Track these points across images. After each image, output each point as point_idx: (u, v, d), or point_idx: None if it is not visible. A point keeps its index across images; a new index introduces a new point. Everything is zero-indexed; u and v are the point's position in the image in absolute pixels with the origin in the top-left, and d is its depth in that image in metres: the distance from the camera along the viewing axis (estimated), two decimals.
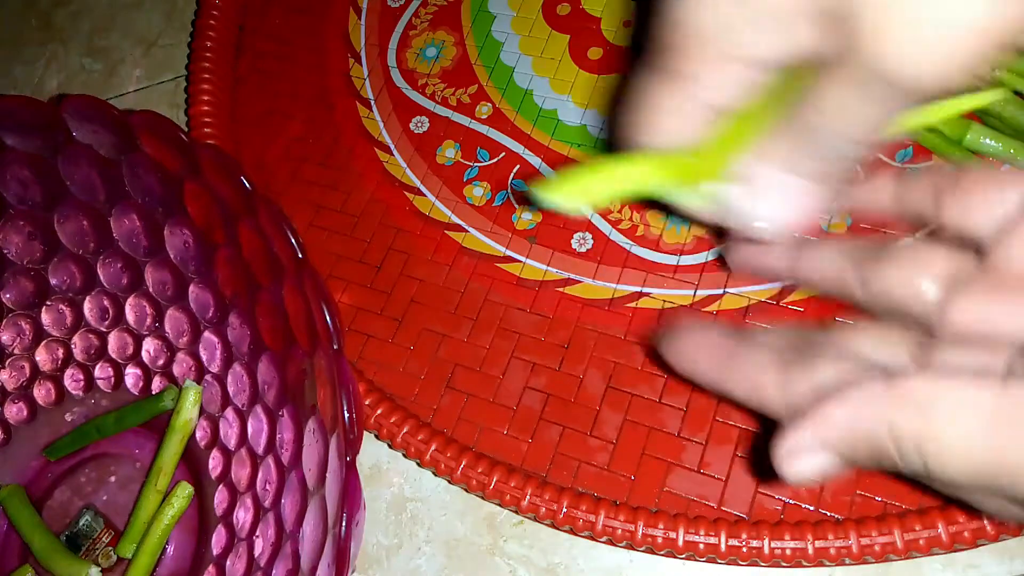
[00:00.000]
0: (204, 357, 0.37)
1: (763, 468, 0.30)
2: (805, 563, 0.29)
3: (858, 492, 0.30)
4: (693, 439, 0.32)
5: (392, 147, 0.41)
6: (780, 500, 0.30)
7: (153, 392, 0.38)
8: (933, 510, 0.28)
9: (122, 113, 0.33)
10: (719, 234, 0.22)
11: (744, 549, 0.29)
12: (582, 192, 0.19)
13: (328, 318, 0.30)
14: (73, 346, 0.39)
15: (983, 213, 0.19)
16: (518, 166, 0.39)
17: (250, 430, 0.34)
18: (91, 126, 0.34)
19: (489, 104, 0.41)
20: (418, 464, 0.34)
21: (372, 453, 0.36)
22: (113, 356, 0.39)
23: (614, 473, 0.32)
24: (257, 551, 0.32)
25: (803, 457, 0.18)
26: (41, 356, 0.39)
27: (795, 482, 0.18)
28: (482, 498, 0.33)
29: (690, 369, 0.23)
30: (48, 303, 0.39)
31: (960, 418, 0.15)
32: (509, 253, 0.37)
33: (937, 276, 0.19)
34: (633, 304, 0.35)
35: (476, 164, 0.40)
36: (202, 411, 0.36)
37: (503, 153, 0.40)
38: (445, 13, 0.44)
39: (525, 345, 0.35)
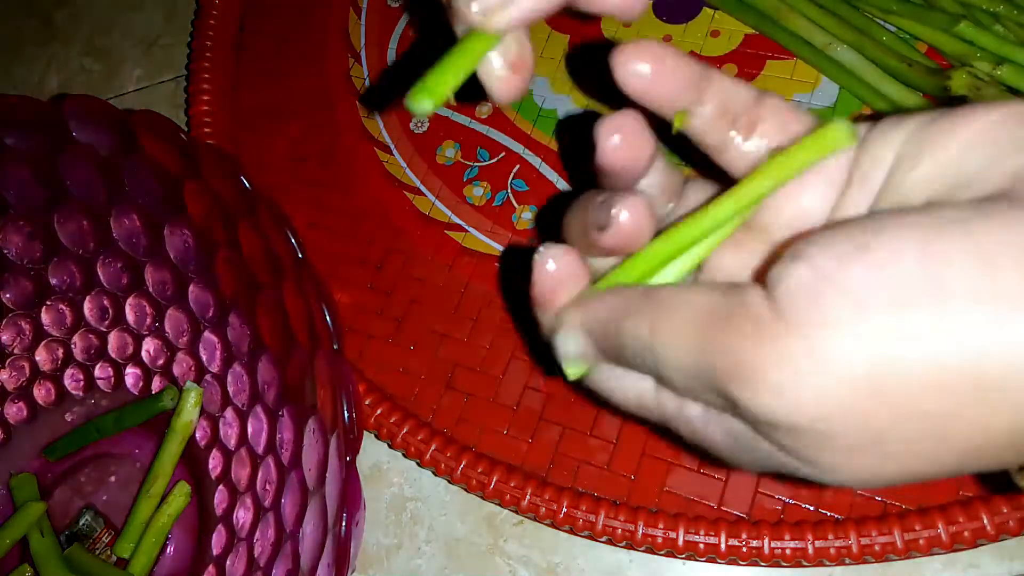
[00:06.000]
0: (204, 357, 0.37)
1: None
2: (805, 563, 0.29)
3: (858, 492, 0.30)
4: None
5: (392, 147, 0.41)
6: (780, 500, 0.30)
7: (153, 392, 0.38)
8: (933, 510, 0.28)
9: (122, 113, 0.33)
10: None
11: (744, 549, 0.29)
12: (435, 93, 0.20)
13: (328, 318, 0.30)
14: (73, 346, 0.39)
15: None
16: (518, 166, 0.39)
17: (250, 430, 0.34)
18: (91, 126, 0.34)
19: (489, 104, 0.41)
20: (418, 464, 0.34)
21: (372, 453, 0.36)
22: (113, 356, 0.39)
23: (614, 473, 0.32)
24: (257, 551, 0.32)
25: (567, 335, 0.20)
26: (41, 356, 0.39)
27: (563, 357, 0.20)
28: (482, 498, 0.33)
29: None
30: (48, 303, 0.39)
31: (680, 319, 0.17)
32: None
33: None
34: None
35: (476, 164, 0.40)
36: (202, 411, 0.36)
37: (503, 153, 0.40)
38: None
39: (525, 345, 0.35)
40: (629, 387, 0.21)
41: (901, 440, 0.15)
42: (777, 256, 0.16)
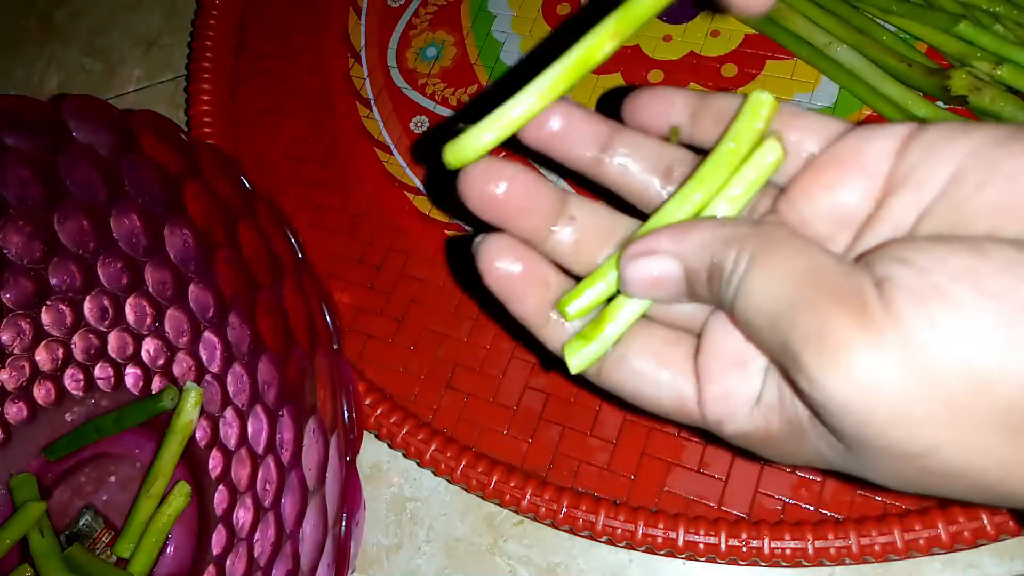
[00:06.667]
0: (204, 357, 0.37)
1: None
2: (805, 563, 0.29)
3: (858, 492, 0.30)
4: (693, 439, 0.32)
5: (392, 147, 0.41)
6: (780, 500, 0.30)
7: (153, 392, 0.38)
8: (933, 510, 0.28)
9: (122, 113, 0.33)
10: None
11: (744, 549, 0.29)
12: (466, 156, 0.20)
13: (328, 318, 0.30)
14: (73, 346, 0.39)
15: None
16: None
17: (250, 430, 0.34)
18: (91, 126, 0.34)
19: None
20: (418, 464, 0.34)
21: (372, 453, 0.36)
22: (113, 356, 0.39)
23: (614, 473, 0.32)
24: (257, 551, 0.32)
25: (652, 258, 0.19)
26: (41, 356, 0.39)
27: (632, 280, 0.19)
28: (482, 498, 0.33)
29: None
30: (48, 303, 0.39)
31: (787, 259, 0.17)
32: None
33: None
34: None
35: None
36: (202, 411, 0.36)
37: (503, 153, 0.39)
38: (445, 13, 0.44)
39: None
40: (666, 392, 0.20)
41: (958, 461, 0.15)
42: (880, 254, 0.16)
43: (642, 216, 0.22)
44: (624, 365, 0.21)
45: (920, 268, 0.15)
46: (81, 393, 0.39)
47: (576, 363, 0.20)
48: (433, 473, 0.34)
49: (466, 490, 0.33)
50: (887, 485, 0.17)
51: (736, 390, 0.19)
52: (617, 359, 0.21)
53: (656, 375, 0.20)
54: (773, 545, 0.29)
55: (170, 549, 0.35)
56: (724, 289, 0.18)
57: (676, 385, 0.20)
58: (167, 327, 0.38)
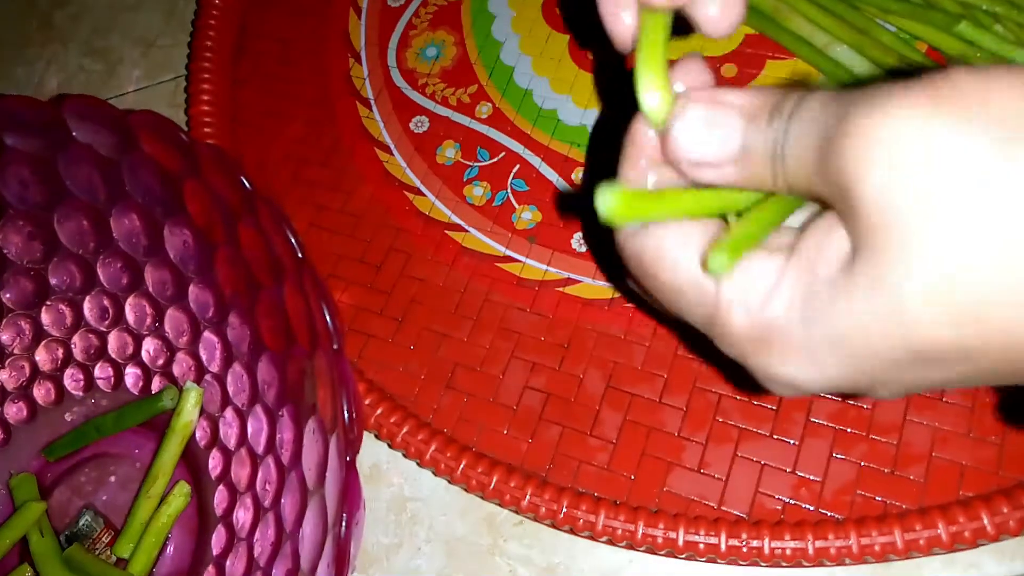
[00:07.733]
0: (204, 357, 0.37)
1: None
2: (805, 563, 0.29)
3: (858, 492, 0.30)
4: (693, 439, 0.32)
5: (392, 147, 0.41)
6: (780, 500, 0.30)
7: (153, 392, 0.38)
8: (933, 510, 0.28)
9: (122, 113, 0.33)
10: None
11: (744, 549, 0.29)
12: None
13: (328, 318, 0.30)
14: (73, 346, 0.39)
15: None
16: (518, 166, 0.39)
17: (250, 430, 0.35)
18: (91, 126, 0.34)
19: (489, 104, 0.41)
20: (418, 464, 0.34)
21: (372, 453, 0.36)
22: (113, 356, 0.39)
23: (614, 473, 0.32)
24: (257, 551, 0.32)
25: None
26: (41, 356, 0.39)
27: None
28: (482, 498, 0.33)
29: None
30: (48, 303, 0.39)
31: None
32: (509, 253, 0.37)
33: None
34: (633, 304, 0.35)
35: (476, 164, 0.40)
36: (202, 411, 0.36)
37: (503, 153, 0.40)
38: (445, 13, 0.44)
39: (525, 345, 0.35)
40: (685, 266, 0.20)
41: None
42: None
43: None
44: (652, 231, 0.21)
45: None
46: (81, 393, 0.39)
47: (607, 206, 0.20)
48: (433, 473, 0.34)
49: (466, 490, 0.33)
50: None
51: (759, 273, 0.19)
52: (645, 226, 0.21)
53: (683, 242, 0.20)
54: (773, 545, 0.29)
55: (170, 549, 0.35)
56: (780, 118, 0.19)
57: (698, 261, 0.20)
58: (167, 327, 0.38)
